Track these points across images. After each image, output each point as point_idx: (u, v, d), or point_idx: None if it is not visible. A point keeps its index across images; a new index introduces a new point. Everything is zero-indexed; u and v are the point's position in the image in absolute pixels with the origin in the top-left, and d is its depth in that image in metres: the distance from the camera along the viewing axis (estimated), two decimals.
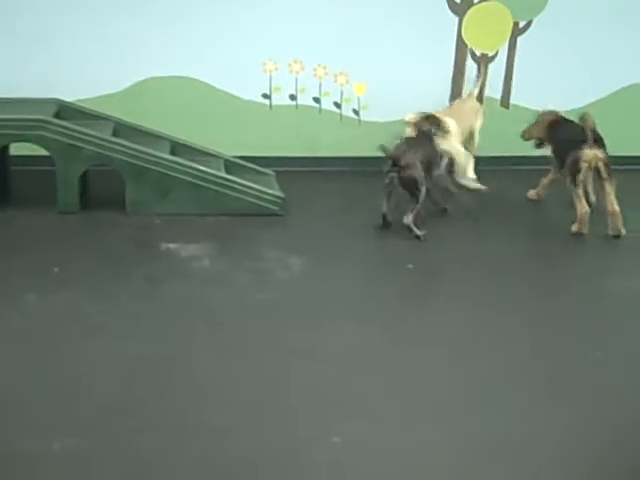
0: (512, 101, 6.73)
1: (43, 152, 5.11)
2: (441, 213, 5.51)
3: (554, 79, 6.69)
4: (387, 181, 5.15)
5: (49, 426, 2.97)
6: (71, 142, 5.06)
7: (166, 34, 6.09)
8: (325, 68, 6.38)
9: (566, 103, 6.80)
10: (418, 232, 5.07)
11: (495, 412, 3.19)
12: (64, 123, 5.12)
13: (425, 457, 2.91)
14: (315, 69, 6.37)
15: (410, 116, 5.60)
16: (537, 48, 6.61)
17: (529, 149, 6.22)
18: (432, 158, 5.35)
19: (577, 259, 4.96)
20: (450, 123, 5.65)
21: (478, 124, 6.27)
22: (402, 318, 4.03)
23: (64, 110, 5.58)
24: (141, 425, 3.00)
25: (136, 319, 3.83)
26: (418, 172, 5.12)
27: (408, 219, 5.10)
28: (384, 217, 5.25)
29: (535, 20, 6.60)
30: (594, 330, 3.98)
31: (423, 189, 5.14)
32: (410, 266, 4.65)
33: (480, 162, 6.47)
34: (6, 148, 5.33)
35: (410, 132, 5.51)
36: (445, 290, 4.40)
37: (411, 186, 5.12)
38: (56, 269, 4.30)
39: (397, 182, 5.13)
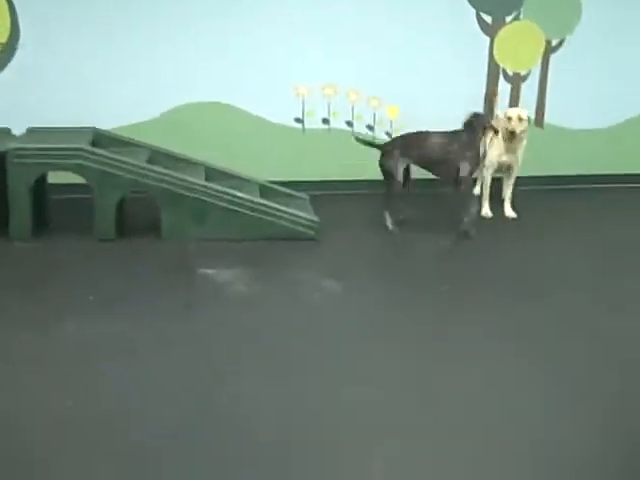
0: (547, 120, 6.70)
1: (80, 180, 5.17)
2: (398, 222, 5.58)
3: (588, 97, 6.66)
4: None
5: (90, 450, 2.98)
6: (108, 170, 5.12)
7: (199, 60, 6.16)
8: (358, 92, 6.40)
9: (601, 121, 6.80)
10: (388, 222, 5.41)
11: (537, 431, 3.15)
12: (101, 151, 5.19)
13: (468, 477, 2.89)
14: (348, 93, 6.39)
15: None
16: (570, 66, 6.59)
17: (565, 168, 6.18)
18: (432, 155, 5.46)
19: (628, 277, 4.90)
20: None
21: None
22: (438, 340, 4.00)
23: (100, 138, 5.64)
24: (183, 448, 3.00)
25: (173, 343, 3.84)
26: (391, 162, 5.42)
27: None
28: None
29: (568, 38, 6.58)
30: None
31: (393, 180, 5.43)
32: (445, 287, 4.62)
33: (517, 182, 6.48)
34: (44, 177, 5.41)
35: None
36: (481, 312, 4.36)
37: (384, 174, 5.48)
38: (91, 297, 4.34)
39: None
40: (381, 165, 5.49)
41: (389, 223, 5.49)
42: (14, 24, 5.89)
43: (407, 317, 4.26)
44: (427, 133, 5.53)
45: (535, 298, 4.52)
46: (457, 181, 5.43)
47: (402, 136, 5.62)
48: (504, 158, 5.86)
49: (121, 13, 5.99)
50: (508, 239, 5.56)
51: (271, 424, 3.19)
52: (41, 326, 3.97)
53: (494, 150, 5.86)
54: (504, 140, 5.78)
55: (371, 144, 5.68)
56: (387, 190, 5.51)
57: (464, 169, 5.38)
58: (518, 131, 5.69)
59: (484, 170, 5.91)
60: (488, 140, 5.86)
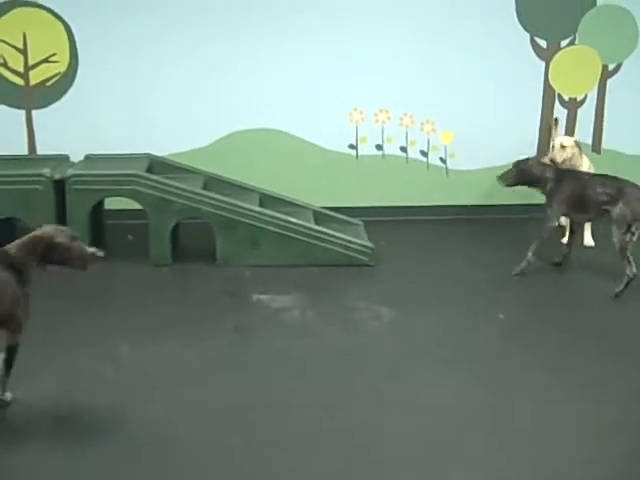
0: (604, 146, 6.59)
1: (136, 206, 5.23)
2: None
3: None
4: None
5: (140, 474, 2.98)
6: (163, 196, 5.17)
7: (254, 88, 6.21)
8: (411, 117, 6.39)
9: None
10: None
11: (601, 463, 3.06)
12: (156, 177, 5.24)
13: None
14: (401, 118, 6.38)
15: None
16: (628, 91, 6.48)
17: None
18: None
19: None
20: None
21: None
22: (493, 367, 3.92)
23: (155, 165, 5.72)
24: (229, 474, 2.98)
25: (226, 369, 3.84)
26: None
27: None
28: None
29: (625, 62, 6.49)
30: None
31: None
32: (501, 316, 4.55)
33: None
34: (101, 202, 5.48)
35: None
36: (536, 340, 4.27)
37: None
38: (153, 318, 4.36)
39: None
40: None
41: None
42: (73, 54, 6.02)
43: (463, 345, 4.20)
44: None
45: (595, 333, 4.42)
46: None
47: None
48: None
49: (174, 43, 6.07)
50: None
51: (322, 455, 3.14)
52: (96, 348, 4.01)
53: None
54: None
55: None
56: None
57: None
58: (559, 159, 5.51)
59: None
60: None
